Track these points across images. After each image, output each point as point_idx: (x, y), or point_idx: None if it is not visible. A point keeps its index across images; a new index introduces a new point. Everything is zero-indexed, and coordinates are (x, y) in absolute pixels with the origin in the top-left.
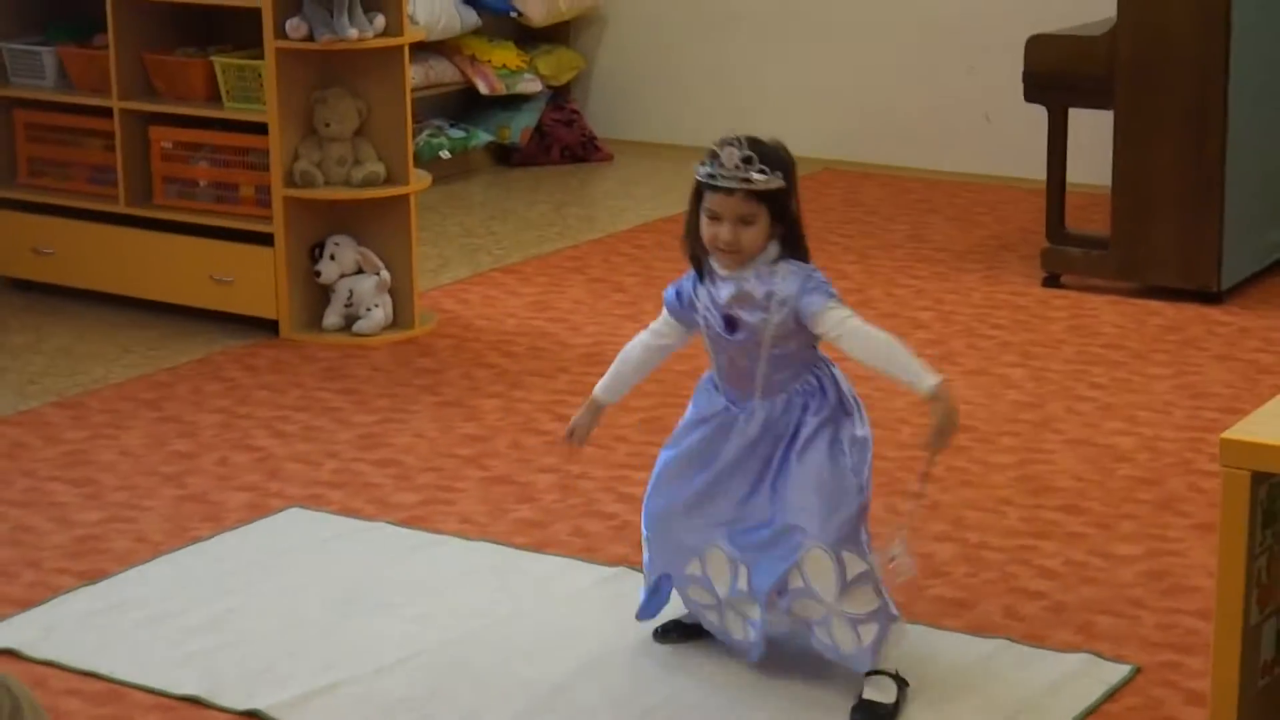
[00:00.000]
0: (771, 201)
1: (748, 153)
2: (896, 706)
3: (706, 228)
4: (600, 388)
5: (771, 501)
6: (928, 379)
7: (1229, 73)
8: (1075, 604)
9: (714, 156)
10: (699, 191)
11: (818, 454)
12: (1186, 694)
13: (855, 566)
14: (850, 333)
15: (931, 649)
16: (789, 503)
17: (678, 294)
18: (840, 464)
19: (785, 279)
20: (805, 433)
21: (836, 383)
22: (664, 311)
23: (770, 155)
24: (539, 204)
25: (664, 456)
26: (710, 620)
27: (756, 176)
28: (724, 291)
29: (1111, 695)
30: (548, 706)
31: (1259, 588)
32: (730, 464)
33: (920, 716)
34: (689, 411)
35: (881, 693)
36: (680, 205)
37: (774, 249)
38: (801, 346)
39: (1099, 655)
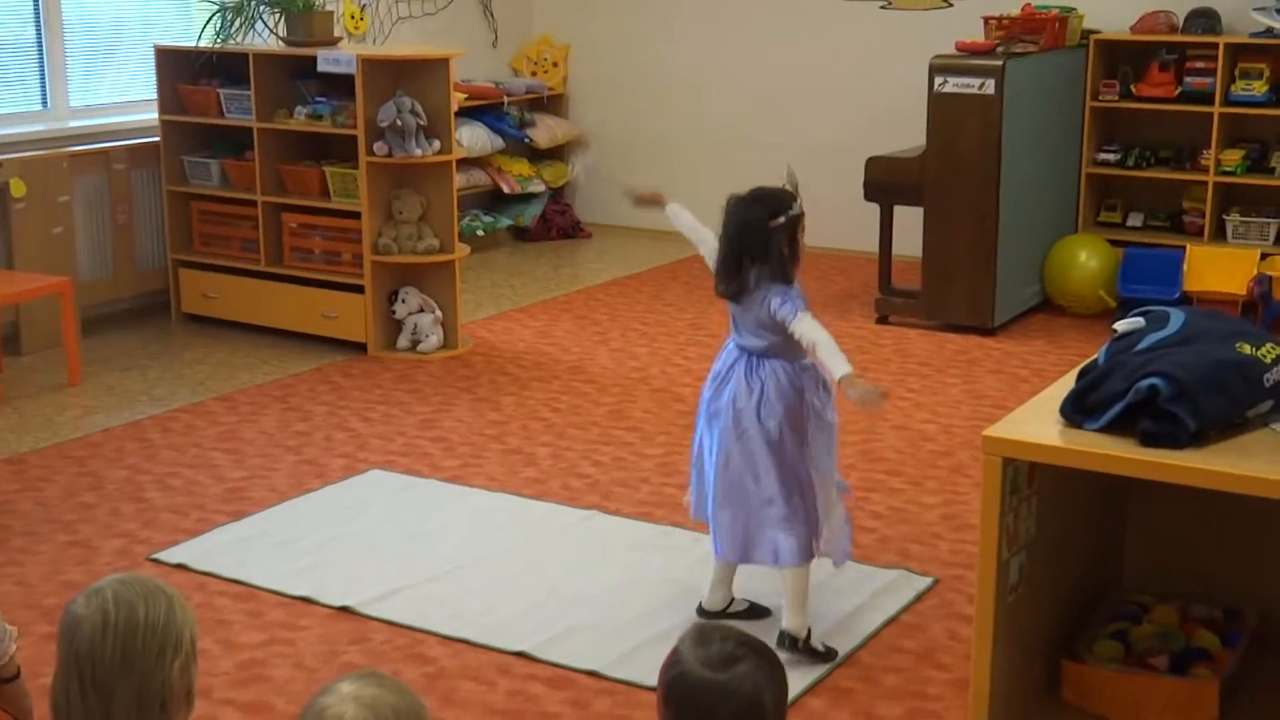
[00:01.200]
0: None
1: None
2: None
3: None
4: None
5: None
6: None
7: (999, 183)
8: (895, 536)
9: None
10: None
11: None
12: (968, 597)
13: None
14: None
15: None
16: None
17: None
18: None
19: None
20: None
21: None
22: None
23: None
24: (542, 266)
25: None
26: None
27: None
28: None
29: (919, 597)
30: (544, 601)
31: (1008, 535)
32: None
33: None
34: None
35: None
36: (636, 269)
37: None
38: None
39: (910, 570)
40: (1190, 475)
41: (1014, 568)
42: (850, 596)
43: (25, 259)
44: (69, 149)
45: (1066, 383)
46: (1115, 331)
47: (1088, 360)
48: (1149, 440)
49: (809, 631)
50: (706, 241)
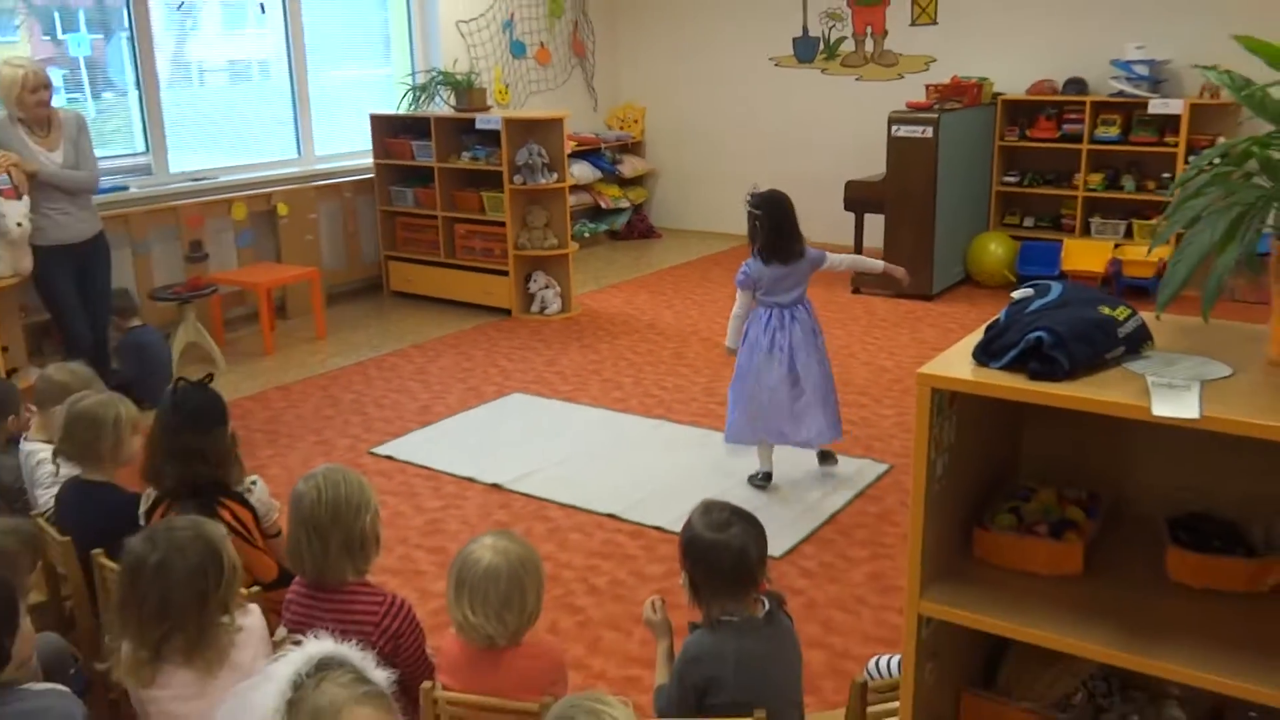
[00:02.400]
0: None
1: (754, 193)
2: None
3: None
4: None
5: None
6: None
7: (936, 197)
8: (862, 436)
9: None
10: None
11: None
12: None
13: None
14: None
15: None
16: None
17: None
18: None
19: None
20: None
21: None
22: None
23: (759, 199)
24: (627, 257)
25: None
26: None
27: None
28: None
29: (879, 478)
30: (626, 480)
31: (935, 443)
32: None
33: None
34: None
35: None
36: (691, 258)
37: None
38: None
39: (872, 459)
40: (1066, 401)
41: (939, 465)
42: (831, 477)
43: (288, 255)
44: (315, 183)
45: (977, 335)
46: (1012, 298)
47: (993, 319)
48: (1036, 376)
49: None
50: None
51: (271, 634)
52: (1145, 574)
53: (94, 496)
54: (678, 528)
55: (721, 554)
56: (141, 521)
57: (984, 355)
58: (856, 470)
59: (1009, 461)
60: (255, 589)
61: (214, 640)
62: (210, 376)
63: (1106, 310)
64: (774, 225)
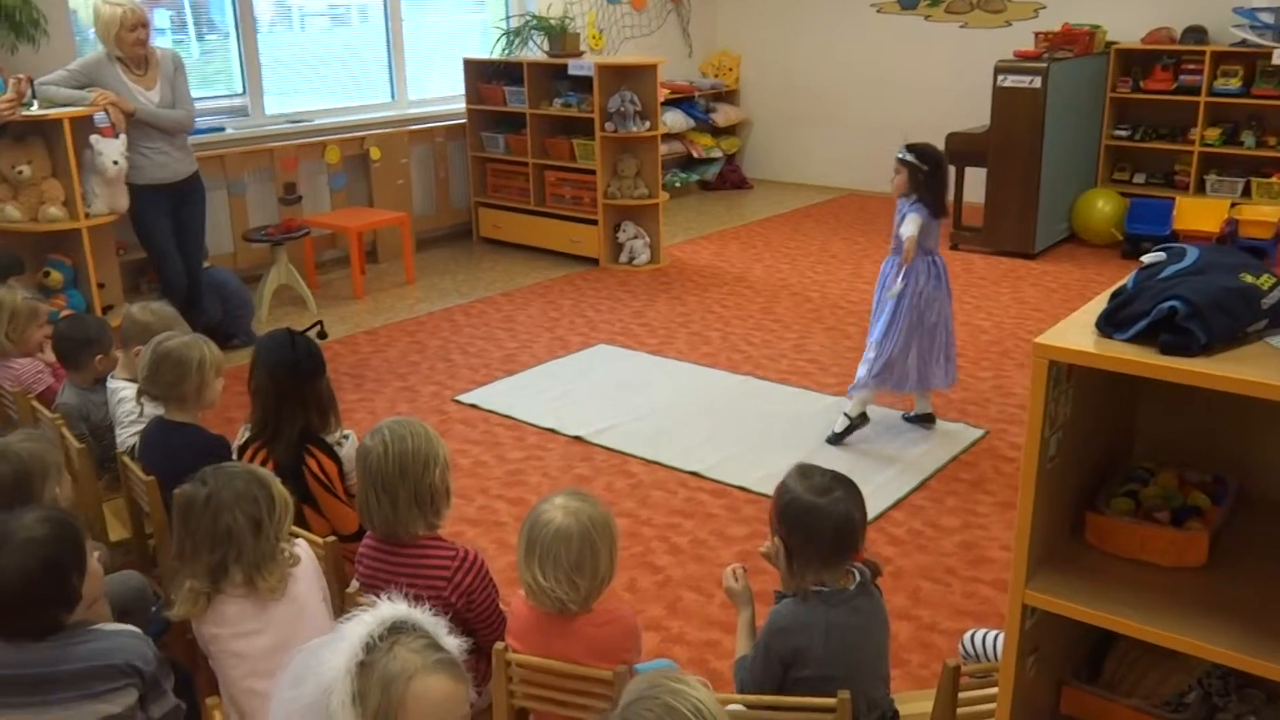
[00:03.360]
0: (907, 167)
1: (912, 144)
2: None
3: None
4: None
5: None
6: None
7: (1043, 149)
8: (957, 400)
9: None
10: None
11: None
12: (1009, 444)
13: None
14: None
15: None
16: None
17: None
18: None
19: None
20: None
21: None
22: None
23: (919, 152)
24: (718, 208)
25: None
26: None
27: (904, 154)
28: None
29: (974, 444)
30: (711, 437)
31: (1049, 419)
32: None
33: (856, 460)
34: None
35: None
36: (782, 210)
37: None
38: None
39: (968, 423)
40: (1199, 379)
41: (1053, 443)
42: (924, 439)
43: (379, 200)
44: (408, 128)
45: (1098, 302)
46: (1142, 263)
47: (1118, 284)
48: (1168, 350)
49: None
50: None
51: (344, 585)
52: (1276, 568)
53: (177, 437)
54: (762, 488)
55: (823, 520)
56: (235, 458)
57: (1108, 325)
58: (950, 434)
59: (1124, 439)
60: (332, 539)
61: (272, 567)
62: (320, 327)
63: (1249, 278)
64: (940, 181)
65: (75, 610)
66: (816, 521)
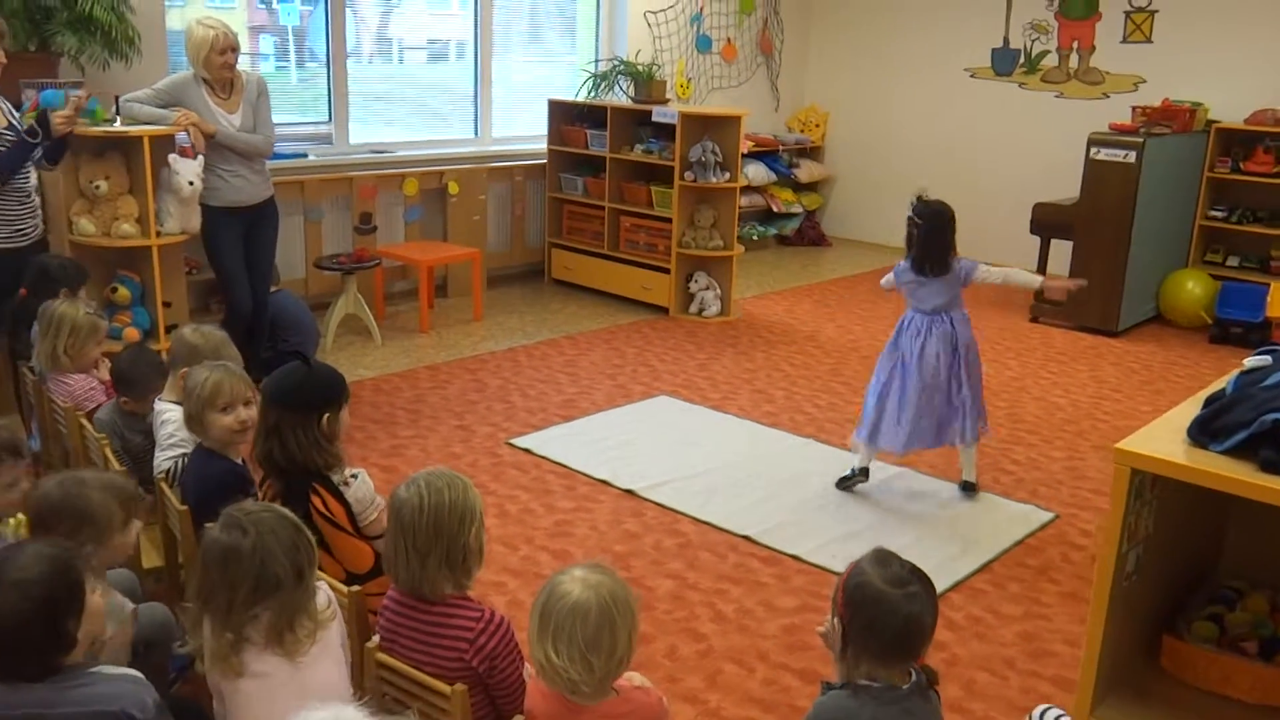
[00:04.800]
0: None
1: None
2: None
3: None
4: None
5: None
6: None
7: (1133, 225)
8: (1028, 480)
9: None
10: None
11: None
12: (1080, 530)
13: None
14: None
15: (942, 493)
16: None
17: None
18: None
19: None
20: None
21: None
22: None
23: (922, 208)
24: (795, 264)
25: None
26: None
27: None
28: None
29: (1042, 527)
30: (766, 500)
31: (1129, 532)
32: None
33: (916, 537)
34: None
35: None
36: (859, 270)
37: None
38: None
39: (1037, 506)
40: None
41: (1131, 559)
42: (991, 521)
43: (454, 235)
44: (488, 165)
45: (1190, 406)
46: (1244, 366)
47: (1214, 387)
48: (1270, 467)
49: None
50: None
51: (365, 638)
52: None
53: (210, 467)
54: (815, 559)
55: (891, 613)
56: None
57: (1202, 434)
58: (1019, 516)
59: (1210, 553)
60: (356, 589)
61: (304, 620)
62: (304, 356)
63: None
64: (928, 238)
65: (71, 652)
66: (883, 613)
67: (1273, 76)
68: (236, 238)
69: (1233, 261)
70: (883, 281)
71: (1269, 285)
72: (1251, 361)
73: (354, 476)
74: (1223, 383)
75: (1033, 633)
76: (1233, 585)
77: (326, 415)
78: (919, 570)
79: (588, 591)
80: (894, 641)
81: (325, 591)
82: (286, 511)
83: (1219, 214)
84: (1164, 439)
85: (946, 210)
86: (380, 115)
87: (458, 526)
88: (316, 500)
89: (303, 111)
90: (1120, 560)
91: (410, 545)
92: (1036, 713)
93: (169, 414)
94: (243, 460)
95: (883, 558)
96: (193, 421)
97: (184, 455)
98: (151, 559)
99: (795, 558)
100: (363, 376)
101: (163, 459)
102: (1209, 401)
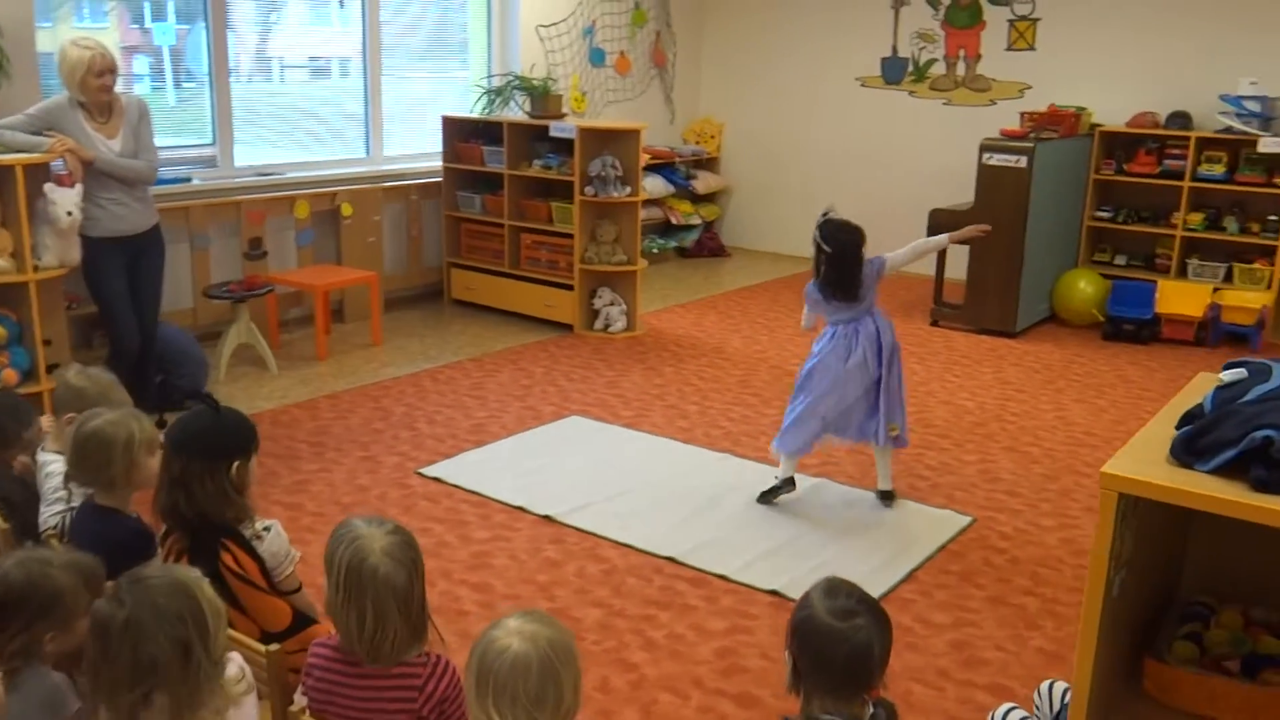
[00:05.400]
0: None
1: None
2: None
3: None
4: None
5: None
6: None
7: (1027, 229)
8: (943, 484)
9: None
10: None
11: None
12: (999, 534)
13: None
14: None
15: (862, 502)
16: None
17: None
18: None
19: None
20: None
21: None
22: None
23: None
24: (696, 276)
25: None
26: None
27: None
28: None
29: (961, 532)
30: (688, 519)
31: (1116, 557)
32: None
33: (840, 550)
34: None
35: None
36: (760, 280)
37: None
38: None
39: (955, 510)
40: None
41: (1115, 583)
42: (911, 528)
43: (348, 258)
44: (382, 184)
45: (1162, 425)
46: (1221, 380)
47: (1192, 405)
48: (1263, 486)
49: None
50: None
51: (287, 701)
52: None
53: (106, 524)
54: (742, 577)
55: (838, 646)
56: (159, 550)
57: (1187, 453)
58: (937, 522)
59: (1174, 569)
60: (275, 648)
61: (205, 701)
62: (212, 399)
63: None
64: (838, 266)
65: None
66: (829, 646)
67: (1151, 80)
68: (120, 269)
69: (1120, 260)
70: (803, 324)
71: (1156, 282)
72: (1228, 376)
73: (266, 529)
74: (1197, 398)
75: (964, 641)
76: (1201, 601)
77: (236, 464)
78: (868, 599)
79: (526, 644)
80: (843, 674)
81: (237, 663)
82: (186, 576)
83: (1105, 214)
84: (1146, 460)
85: (856, 237)
86: (266, 136)
87: (421, 581)
88: (227, 556)
89: (182, 134)
90: (1107, 587)
91: (375, 612)
92: (1000, 712)
93: (54, 465)
94: (137, 515)
95: (832, 588)
96: (96, 470)
97: (71, 509)
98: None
99: (722, 577)
100: (260, 408)
101: (49, 514)
102: (1187, 418)
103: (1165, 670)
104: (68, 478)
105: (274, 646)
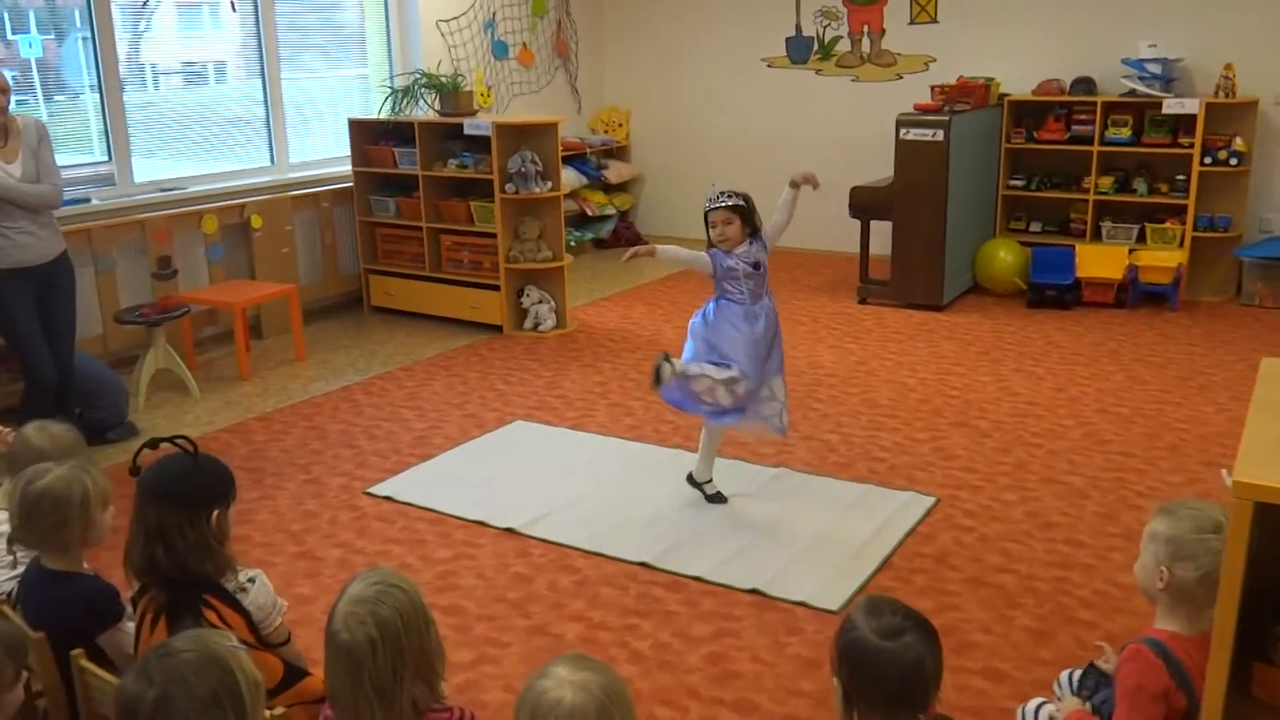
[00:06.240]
0: (739, 211)
1: (724, 189)
2: None
3: (712, 231)
4: (661, 249)
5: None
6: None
7: (948, 202)
8: (901, 465)
9: (712, 198)
10: (706, 215)
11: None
12: (964, 512)
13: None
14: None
15: (825, 490)
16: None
17: (713, 256)
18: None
19: (758, 244)
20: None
21: None
22: (708, 257)
23: (736, 193)
24: (616, 267)
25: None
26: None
27: (729, 200)
28: (742, 255)
29: (928, 513)
30: (653, 520)
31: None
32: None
33: (813, 541)
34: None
35: None
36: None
37: (747, 235)
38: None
39: (918, 492)
40: None
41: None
42: (878, 513)
43: (263, 271)
44: (290, 193)
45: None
46: None
47: None
48: None
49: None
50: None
51: None
52: None
53: (65, 587)
54: (718, 577)
55: (889, 667)
56: (129, 609)
57: None
58: (902, 505)
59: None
60: (278, 711)
61: None
62: (191, 445)
63: None
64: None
65: None
66: (880, 668)
67: (1053, 49)
68: (30, 301)
69: (1035, 227)
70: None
71: (1074, 247)
72: None
73: (250, 581)
74: (1275, 388)
75: (950, 625)
76: None
77: (216, 512)
78: (913, 614)
79: (580, 694)
80: (897, 695)
81: None
82: (219, 648)
83: (1019, 183)
84: (1273, 465)
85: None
86: (160, 149)
87: (419, 638)
88: (210, 614)
89: (63, 151)
90: (1240, 598)
91: (372, 689)
92: (1031, 707)
93: (5, 526)
94: (94, 573)
95: (875, 607)
96: (50, 533)
97: (16, 576)
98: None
99: (698, 579)
100: (189, 435)
101: (3, 579)
102: None
103: (1275, 673)
104: (11, 540)
105: (279, 711)
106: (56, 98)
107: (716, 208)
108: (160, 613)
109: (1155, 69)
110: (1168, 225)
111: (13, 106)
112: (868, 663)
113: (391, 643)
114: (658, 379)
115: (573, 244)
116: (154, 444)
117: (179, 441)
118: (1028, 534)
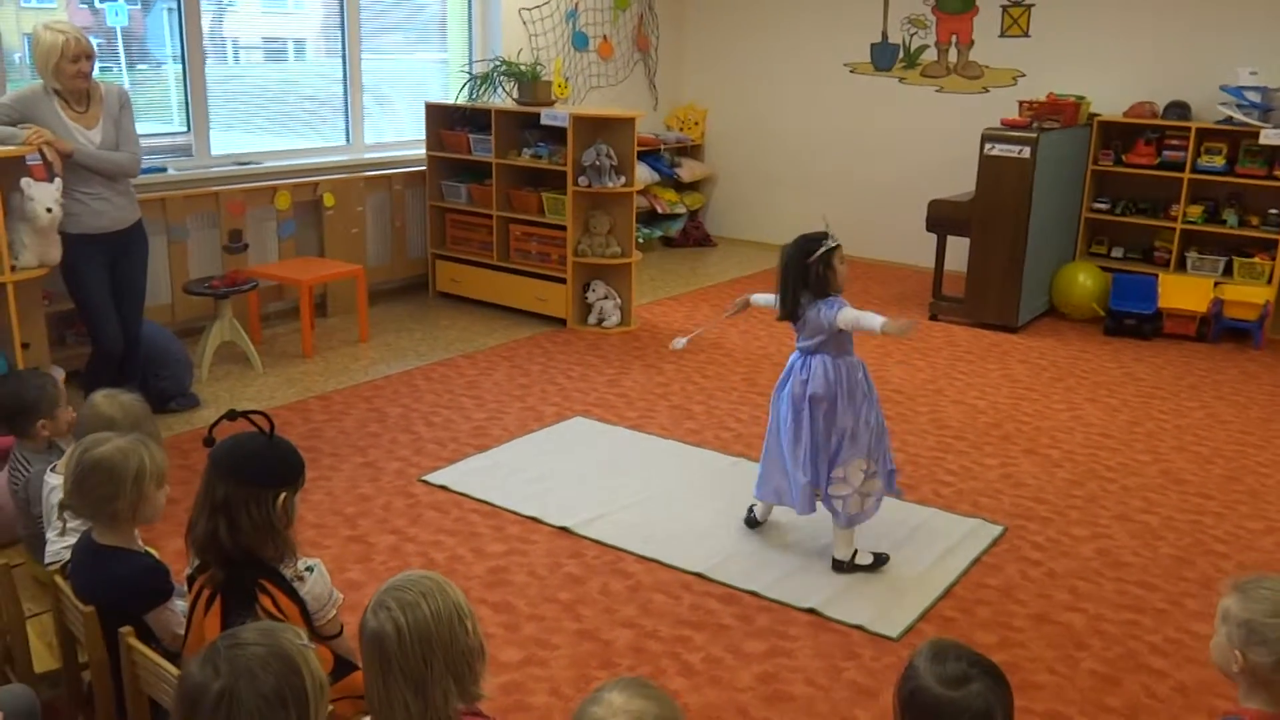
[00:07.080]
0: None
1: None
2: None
3: (838, 271)
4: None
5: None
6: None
7: (1029, 222)
8: (967, 490)
9: (829, 235)
10: (828, 255)
11: None
12: (1032, 544)
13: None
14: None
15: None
16: None
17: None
18: None
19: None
20: None
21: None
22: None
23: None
24: (683, 266)
25: None
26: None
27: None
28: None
29: (994, 542)
30: (711, 530)
31: None
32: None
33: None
34: None
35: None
36: (749, 270)
37: None
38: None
39: (984, 519)
40: None
41: None
42: (942, 539)
43: (331, 250)
44: (364, 174)
45: None
46: None
47: None
48: None
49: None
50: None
51: None
52: None
53: (116, 563)
54: (774, 594)
55: (955, 717)
56: (180, 587)
57: None
58: (969, 532)
59: None
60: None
61: None
62: (269, 423)
63: None
64: (780, 278)
65: None
66: (946, 718)
67: (1148, 69)
68: (102, 268)
69: (1117, 253)
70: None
71: (1156, 275)
72: None
73: (309, 570)
74: None
75: (1014, 663)
76: None
77: (284, 495)
78: (980, 659)
79: None
80: None
81: None
82: (290, 644)
83: (1103, 206)
84: None
85: (788, 248)
86: (238, 122)
87: (449, 635)
88: (265, 599)
89: (140, 120)
90: None
91: (403, 680)
92: None
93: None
94: (147, 551)
95: (938, 652)
96: (100, 503)
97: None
98: (45, 661)
99: (754, 594)
100: (248, 410)
101: (59, 546)
102: None
103: None
104: (63, 506)
105: (329, 707)
106: (139, 67)
107: (837, 246)
108: (215, 594)
109: (1255, 97)
110: (1256, 260)
111: (96, 73)
112: (932, 714)
113: (418, 629)
114: None
115: (641, 241)
116: (232, 416)
117: (255, 418)
118: (1097, 572)
